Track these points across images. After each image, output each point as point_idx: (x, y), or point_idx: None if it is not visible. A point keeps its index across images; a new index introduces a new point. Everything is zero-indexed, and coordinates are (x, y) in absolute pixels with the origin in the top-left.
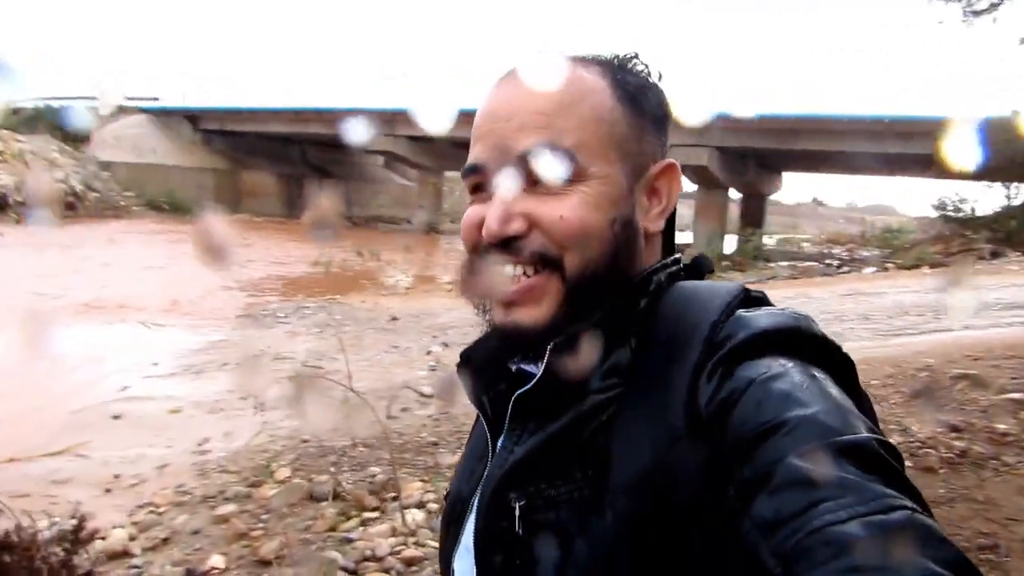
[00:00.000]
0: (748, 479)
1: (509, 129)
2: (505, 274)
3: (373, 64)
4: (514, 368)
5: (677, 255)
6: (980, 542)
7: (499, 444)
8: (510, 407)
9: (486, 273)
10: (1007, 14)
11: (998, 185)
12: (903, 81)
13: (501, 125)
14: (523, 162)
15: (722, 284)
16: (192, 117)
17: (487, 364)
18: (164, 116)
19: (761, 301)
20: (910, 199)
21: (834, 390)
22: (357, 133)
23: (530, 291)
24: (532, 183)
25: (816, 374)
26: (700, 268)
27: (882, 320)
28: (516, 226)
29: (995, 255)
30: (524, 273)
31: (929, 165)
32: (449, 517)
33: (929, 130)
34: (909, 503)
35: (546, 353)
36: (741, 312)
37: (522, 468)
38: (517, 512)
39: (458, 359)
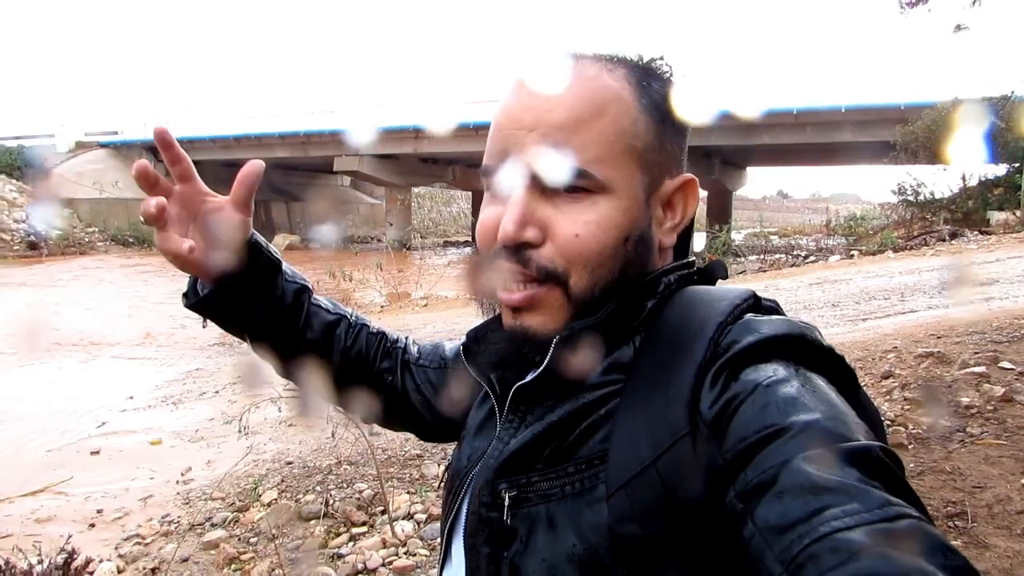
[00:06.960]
0: (751, 482)
1: (531, 140)
2: (511, 280)
3: (334, 84)
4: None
5: (691, 259)
6: (948, 510)
7: (498, 430)
8: (510, 397)
9: (493, 275)
10: (940, 4)
11: (952, 168)
12: (856, 71)
13: (522, 134)
14: (543, 174)
15: (732, 288)
16: (153, 149)
17: (496, 349)
18: (125, 149)
19: (772, 310)
20: (873, 186)
21: (836, 398)
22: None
23: (533, 299)
24: (553, 192)
25: (820, 382)
26: (713, 273)
27: (849, 306)
28: (531, 233)
29: (954, 236)
30: (528, 281)
31: (887, 152)
32: (448, 489)
33: (885, 118)
34: (914, 511)
35: (551, 346)
36: (750, 316)
37: (515, 459)
38: (507, 502)
39: (464, 339)
